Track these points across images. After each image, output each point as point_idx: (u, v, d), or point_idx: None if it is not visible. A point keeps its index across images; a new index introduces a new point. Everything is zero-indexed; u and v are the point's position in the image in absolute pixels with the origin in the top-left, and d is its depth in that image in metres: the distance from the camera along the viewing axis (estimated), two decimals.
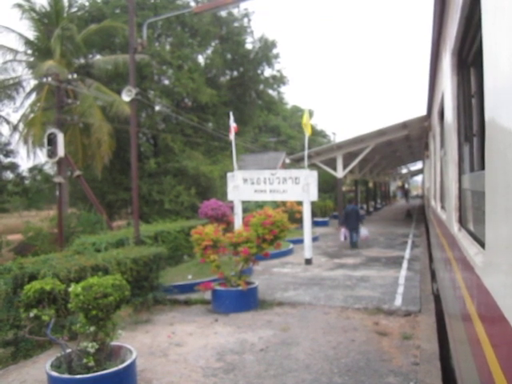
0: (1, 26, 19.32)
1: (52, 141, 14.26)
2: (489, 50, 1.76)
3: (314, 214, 19.50)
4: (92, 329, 4.35)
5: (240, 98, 26.82)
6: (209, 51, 25.89)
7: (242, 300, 7.73)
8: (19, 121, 20.43)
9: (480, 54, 2.00)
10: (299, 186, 11.71)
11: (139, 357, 5.19)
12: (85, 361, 4.22)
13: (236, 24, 25.88)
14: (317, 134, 54.19)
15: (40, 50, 20.77)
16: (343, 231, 15.13)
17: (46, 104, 18.85)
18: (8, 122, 21.13)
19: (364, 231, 15.19)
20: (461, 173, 3.73)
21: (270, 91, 29.67)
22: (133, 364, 4.46)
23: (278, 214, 8.27)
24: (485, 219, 1.93)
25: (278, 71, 28.15)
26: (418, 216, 28.79)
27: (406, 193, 60.05)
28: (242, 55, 25.60)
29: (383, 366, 5.15)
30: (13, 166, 22.87)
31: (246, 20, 26.11)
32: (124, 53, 20.64)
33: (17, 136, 20.86)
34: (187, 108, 25.04)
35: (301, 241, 12.96)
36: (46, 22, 20.69)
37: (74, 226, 15.98)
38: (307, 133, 12.39)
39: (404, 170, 56.62)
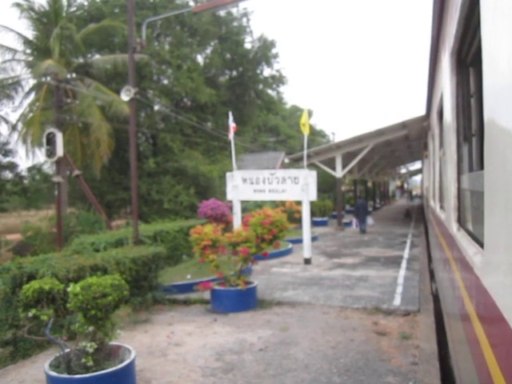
0: (0, 25, 19.30)
1: (51, 140, 14.24)
2: (488, 50, 1.76)
3: (313, 214, 19.51)
4: (91, 328, 4.34)
5: (239, 97, 26.83)
6: (208, 51, 25.90)
7: (241, 300, 7.73)
8: (18, 120, 20.42)
9: (479, 54, 2.00)
10: (298, 186, 11.71)
11: (138, 356, 5.18)
12: (83, 360, 4.22)
13: (235, 23, 25.90)
14: (316, 134, 54.18)
15: (39, 49, 20.75)
16: (355, 221, 20.00)
17: (44, 103, 18.84)
18: (7, 122, 21.11)
19: (370, 220, 19.79)
20: (460, 173, 3.73)
21: (270, 91, 29.70)
22: (131, 364, 4.45)
23: (277, 214, 8.26)
24: (484, 219, 1.93)
25: (277, 71, 28.18)
26: (417, 216, 28.81)
27: (409, 192, 60.51)
28: (241, 55, 25.61)
29: (382, 366, 5.15)
30: (12, 166, 22.83)
31: (245, 19, 26.15)
32: (123, 52, 20.63)
33: (16, 135, 20.86)
34: (186, 108, 25.04)
35: (300, 240, 12.96)
36: (44, 21, 20.67)
37: (72, 226, 15.98)
38: (305, 132, 12.40)
39: (403, 170, 56.72)
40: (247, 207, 18.23)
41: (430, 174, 10.86)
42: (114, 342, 4.63)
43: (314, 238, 15.34)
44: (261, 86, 28.20)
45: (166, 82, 24.01)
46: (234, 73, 27.09)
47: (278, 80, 28.56)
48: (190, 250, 10.96)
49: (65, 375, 4.15)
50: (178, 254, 11.77)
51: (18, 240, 17.29)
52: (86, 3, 23.68)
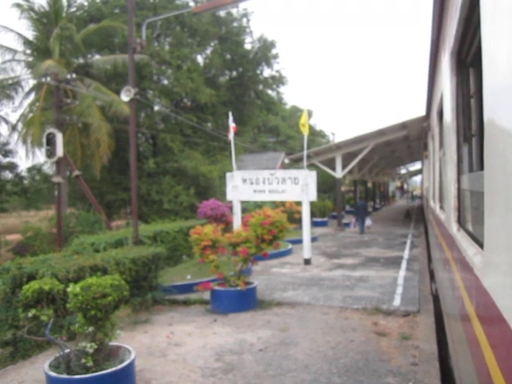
0: (0, 26, 19.30)
1: (51, 140, 14.24)
2: (488, 51, 1.76)
3: (312, 215, 19.52)
4: (91, 329, 4.34)
5: (239, 98, 26.83)
6: (208, 51, 25.90)
7: (240, 300, 7.73)
8: (18, 120, 20.42)
9: (479, 55, 2.00)
10: (298, 186, 11.71)
11: (138, 357, 5.18)
12: (83, 361, 4.22)
13: (235, 24, 25.89)
14: (316, 134, 54.18)
15: (39, 49, 20.75)
16: (353, 220, 21.22)
17: (44, 104, 18.83)
18: (7, 122, 21.11)
19: (368, 221, 20.22)
20: (460, 173, 3.73)
21: (269, 91, 29.69)
22: (131, 364, 4.45)
23: (277, 214, 8.26)
24: (484, 219, 1.93)
25: (277, 71, 28.18)
26: (417, 216, 28.81)
27: (411, 193, 60.62)
28: (241, 55, 25.61)
29: (382, 367, 5.15)
30: (12, 166, 22.84)
31: (245, 20, 26.15)
32: (123, 53, 20.64)
33: (16, 136, 20.87)
34: (186, 108, 25.04)
35: (300, 241, 12.96)
36: (44, 21, 20.67)
37: (72, 226, 15.97)
38: (305, 133, 12.40)
39: (403, 171, 56.75)
40: (247, 207, 18.23)
41: (429, 175, 10.86)
42: (113, 343, 4.63)
43: (313, 239, 15.34)
44: (261, 87, 28.21)
45: (165, 82, 24.01)
46: (234, 73, 27.09)
47: (278, 80, 28.56)
48: (189, 250, 10.96)
49: (64, 376, 4.15)
50: (177, 255, 11.77)
51: (18, 240, 17.27)
52: (86, 4, 23.70)
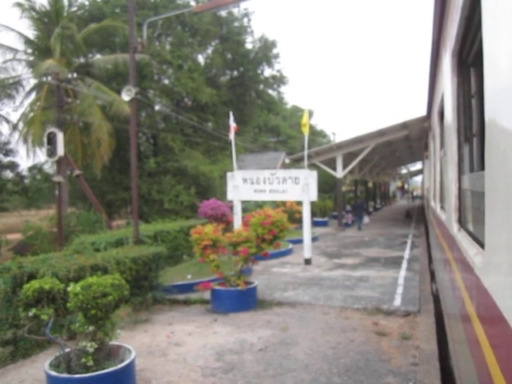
0: (0, 25, 19.32)
1: (52, 140, 14.26)
2: (489, 51, 1.76)
3: (313, 214, 19.52)
4: (91, 328, 4.34)
5: (240, 97, 26.83)
6: (209, 51, 25.91)
7: (241, 300, 7.73)
8: (19, 120, 20.45)
9: (480, 55, 2.00)
10: (299, 186, 11.71)
11: (138, 356, 5.18)
12: (84, 360, 4.22)
13: (236, 24, 25.90)
14: (316, 134, 54.20)
15: (40, 49, 20.78)
16: (350, 217, 22.70)
17: (45, 103, 18.84)
18: (8, 121, 21.15)
19: (366, 219, 22.40)
20: (460, 173, 3.73)
21: (270, 91, 29.68)
22: (132, 363, 4.45)
23: (278, 214, 8.26)
24: (484, 220, 1.93)
25: (278, 71, 28.18)
26: (418, 216, 28.79)
27: (411, 193, 60.54)
28: (242, 55, 25.61)
29: (382, 367, 5.15)
30: (12, 165, 22.87)
31: (246, 20, 26.16)
32: (124, 52, 20.64)
33: (16, 135, 20.90)
34: (187, 107, 25.05)
35: (300, 241, 12.95)
36: (45, 21, 20.69)
37: (73, 226, 15.99)
38: (305, 133, 12.40)
39: (404, 171, 56.71)
40: (248, 207, 18.23)
41: (430, 175, 10.85)
42: (114, 342, 4.63)
43: (314, 239, 15.33)
44: (261, 86, 28.20)
45: (166, 81, 24.02)
46: (235, 73, 27.09)
47: (279, 80, 28.55)
48: (190, 249, 10.96)
49: (65, 375, 4.15)
50: (178, 254, 11.77)
51: (19, 239, 17.29)
52: (87, 3, 23.71)
